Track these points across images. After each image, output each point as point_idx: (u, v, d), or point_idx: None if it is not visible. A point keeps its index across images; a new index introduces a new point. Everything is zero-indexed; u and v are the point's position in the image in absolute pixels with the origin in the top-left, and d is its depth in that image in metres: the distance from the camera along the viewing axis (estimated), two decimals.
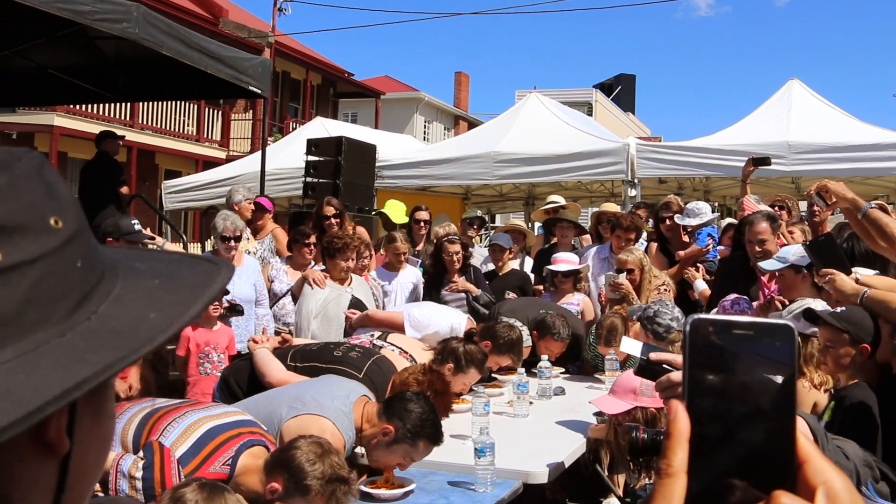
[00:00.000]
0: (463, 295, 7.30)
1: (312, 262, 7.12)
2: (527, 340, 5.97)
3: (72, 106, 19.09)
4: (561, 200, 9.83)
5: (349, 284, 6.49)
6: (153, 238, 8.38)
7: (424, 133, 38.24)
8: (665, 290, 6.96)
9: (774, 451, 0.64)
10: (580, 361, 6.68)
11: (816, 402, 4.14)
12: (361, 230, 7.90)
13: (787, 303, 4.82)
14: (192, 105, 24.27)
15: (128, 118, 22.04)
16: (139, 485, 2.95)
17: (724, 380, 0.65)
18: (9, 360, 0.60)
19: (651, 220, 8.69)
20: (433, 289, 7.40)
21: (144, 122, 22.69)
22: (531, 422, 5.07)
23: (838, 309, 3.96)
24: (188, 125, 24.59)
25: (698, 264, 7.35)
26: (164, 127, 23.36)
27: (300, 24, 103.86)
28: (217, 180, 13.74)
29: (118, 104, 20.58)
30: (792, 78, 12.31)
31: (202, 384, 5.44)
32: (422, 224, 8.99)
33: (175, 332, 0.68)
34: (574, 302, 7.22)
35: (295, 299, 6.64)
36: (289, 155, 12.77)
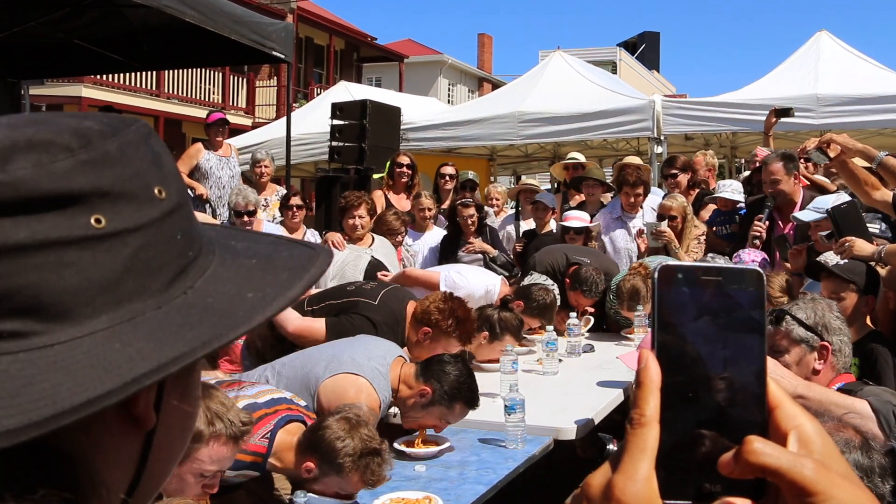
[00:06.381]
0: (480, 256, 7.31)
1: (305, 227, 7.33)
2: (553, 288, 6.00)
3: (99, 77, 19.17)
4: (581, 158, 9.78)
5: (370, 246, 6.49)
6: None
7: (448, 96, 38.00)
8: (704, 239, 6.95)
9: (746, 399, 0.63)
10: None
11: None
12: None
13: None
14: (217, 73, 24.29)
15: (154, 87, 22.12)
16: None
17: (694, 327, 0.64)
18: (104, 329, 0.60)
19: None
20: (450, 250, 7.40)
21: (170, 92, 22.75)
22: (561, 379, 5.09)
23: (841, 262, 4.00)
24: (213, 93, 24.62)
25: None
26: (189, 95, 23.41)
27: None
28: (243, 147, 13.73)
29: (144, 74, 20.61)
30: (820, 29, 12.10)
31: (235, 346, 5.53)
32: (447, 179, 8.91)
33: (273, 314, 0.67)
34: None
35: None
36: (314, 120, 12.75)
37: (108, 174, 0.62)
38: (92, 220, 0.61)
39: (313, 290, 5.19)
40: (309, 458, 3.05)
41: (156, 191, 0.65)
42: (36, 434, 0.55)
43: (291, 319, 4.48)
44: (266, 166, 8.64)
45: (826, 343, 3.17)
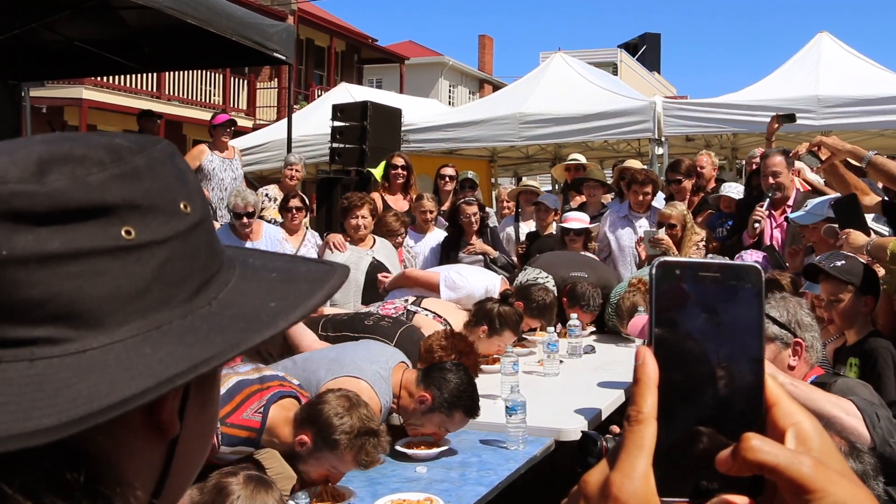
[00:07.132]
0: (480, 257, 7.30)
1: (307, 227, 7.35)
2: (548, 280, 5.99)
3: (99, 79, 19.16)
4: (582, 159, 9.78)
5: (371, 247, 6.49)
6: None
7: (449, 98, 38.01)
8: (703, 245, 6.96)
9: (743, 396, 0.63)
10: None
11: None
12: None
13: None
14: (217, 74, 24.29)
15: (154, 89, 22.11)
16: None
17: (692, 324, 0.63)
18: (132, 336, 0.62)
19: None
20: (451, 251, 7.38)
21: (171, 94, 22.74)
22: (562, 380, 5.08)
23: (838, 263, 4.00)
24: (214, 95, 24.62)
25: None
26: (190, 97, 23.40)
27: None
28: (244, 148, 13.76)
29: (145, 76, 20.62)
30: (821, 31, 12.11)
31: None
32: (447, 180, 8.82)
33: (297, 319, 0.69)
34: None
35: None
36: (315, 121, 12.76)
37: (138, 187, 0.64)
38: (122, 232, 0.63)
39: (330, 311, 5.19)
40: (305, 432, 3.05)
41: (182, 205, 0.68)
42: (74, 430, 0.56)
43: (308, 341, 4.48)
44: (297, 171, 8.63)
45: (799, 339, 3.20)
